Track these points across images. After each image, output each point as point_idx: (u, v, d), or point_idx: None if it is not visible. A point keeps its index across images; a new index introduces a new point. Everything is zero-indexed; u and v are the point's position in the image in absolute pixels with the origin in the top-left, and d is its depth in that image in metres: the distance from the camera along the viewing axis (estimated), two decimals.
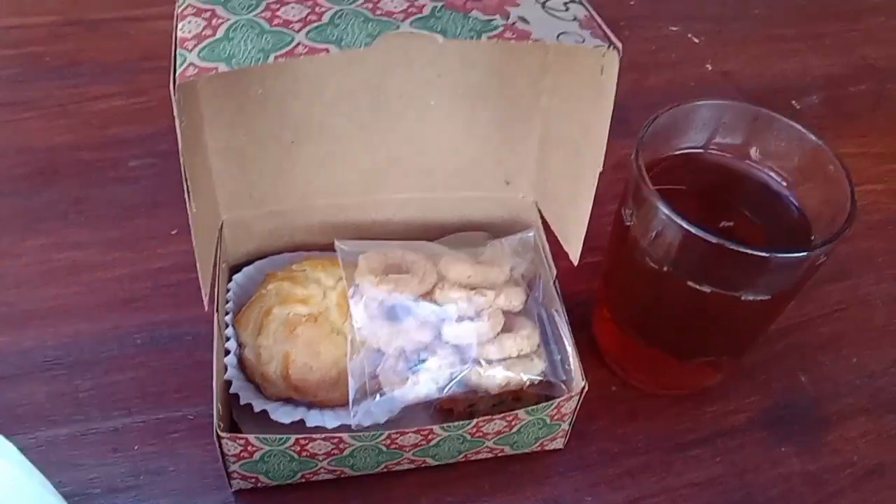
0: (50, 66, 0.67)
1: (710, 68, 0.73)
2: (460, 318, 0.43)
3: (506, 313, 0.44)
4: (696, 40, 0.76)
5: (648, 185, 0.39)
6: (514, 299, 0.44)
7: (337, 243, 0.46)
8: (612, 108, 0.37)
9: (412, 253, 0.46)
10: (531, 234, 0.49)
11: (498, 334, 0.43)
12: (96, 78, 0.66)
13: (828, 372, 0.52)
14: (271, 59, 0.31)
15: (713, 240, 0.37)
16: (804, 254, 0.37)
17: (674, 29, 0.77)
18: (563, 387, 0.43)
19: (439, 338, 0.43)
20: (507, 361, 0.43)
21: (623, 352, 0.49)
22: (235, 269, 0.49)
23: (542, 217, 0.50)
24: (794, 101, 0.71)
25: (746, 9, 0.81)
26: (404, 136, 0.46)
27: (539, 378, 0.43)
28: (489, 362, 0.43)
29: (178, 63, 0.32)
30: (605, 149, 0.39)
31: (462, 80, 0.44)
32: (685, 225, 0.37)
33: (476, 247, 0.49)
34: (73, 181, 0.58)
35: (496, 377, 0.43)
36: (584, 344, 0.51)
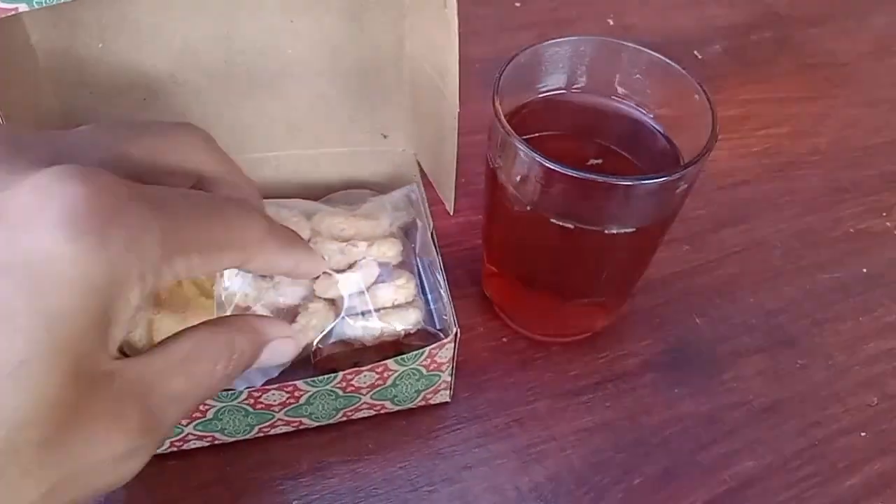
0: None
1: (611, 23, 0.73)
2: (332, 271, 0.42)
3: (383, 265, 0.43)
4: None
5: (503, 121, 0.38)
6: (388, 250, 0.43)
7: None
8: (456, 42, 0.36)
9: (286, 209, 0.44)
10: (413, 188, 0.47)
11: (371, 285, 0.42)
12: None
13: (724, 313, 0.52)
14: None
15: (565, 171, 0.36)
16: (660, 179, 0.36)
17: None
18: (441, 335, 0.42)
19: (311, 293, 0.42)
20: (381, 312, 0.42)
21: (509, 301, 0.48)
22: None
23: (421, 170, 0.48)
24: (696, 52, 0.71)
25: None
26: (266, 88, 0.44)
27: (415, 328, 0.42)
28: (363, 314, 0.41)
29: None
30: (457, 88, 0.37)
31: (318, 25, 0.42)
32: (537, 157, 0.36)
33: (359, 204, 0.48)
34: None
35: (370, 328, 0.41)
36: (476, 298, 0.51)
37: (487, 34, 0.69)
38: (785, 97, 0.68)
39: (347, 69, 0.45)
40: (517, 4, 0.73)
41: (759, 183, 0.61)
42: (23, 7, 0.30)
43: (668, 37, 0.72)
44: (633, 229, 0.39)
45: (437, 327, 0.43)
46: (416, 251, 0.45)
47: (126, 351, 0.42)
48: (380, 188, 0.51)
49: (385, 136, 0.49)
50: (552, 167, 0.36)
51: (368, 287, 0.42)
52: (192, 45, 0.41)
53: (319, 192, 0.49)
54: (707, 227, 0.56)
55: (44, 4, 0.30)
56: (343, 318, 0.41)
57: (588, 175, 0.35)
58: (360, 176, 0.50)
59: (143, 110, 0.43)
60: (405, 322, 0.42)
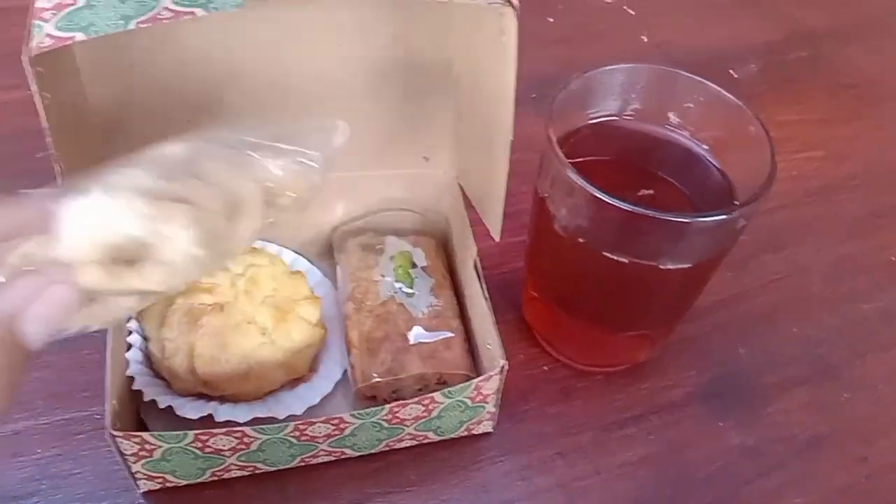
0: None
1: (645, 40, 0.72)
2: None
3: None
4: (632, 12, 0.75)
5: (558, 153, 0.37)
6: None
7: None
8: (515, 70, 0.35)
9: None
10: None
11: None
12: (2, 70, 0.63)
13: (766, 343, 0.51)
14: (133, 25, 0.29)
15: (625, 207, 0.35)
16: (721, 217, 0.36)
17: (608, 1, 0.75)
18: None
19: None
20: None
21: (552, 330, 0.48)
22: None
23: (463, 194, 0.48)
24: (731, 70, 0.70)
25: None
26: (311, 111, 0.43)
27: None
28: None
29: (33, 34, 0.30)
30: (512, 116, 0.37)
31: (365, 50, 0.42)
32: (595, 192, 0.35)
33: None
34: None
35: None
36: (515, 324, 0.50)
37: (520, 49, 0.68)
38: (820, 119, 0.67)
39: (393, 93, 0.44)
40: (550, 19, 0.72)
41: (797, 207, 0.60)
42: (80, 36, 0.29)
43: (702, 54, 0.71)
44: (690, 264, 0.38)
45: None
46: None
47: (167, 377, 0.42)
48: (421, 210, 0.50)
49: (427, 159, 0.48)
50: (611, 202, 0.35)
51: None
52: (241, 69, 0.41)
53: (360, 213, 0.49)
54: (748, 253, 0.55)
55: (100, 33, 0.29)
56: None
57: (651, 212, 0.35)
58: (400, 197, 0.49)
59: (186, 131, 0.42)
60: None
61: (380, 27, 0.41)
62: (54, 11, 0.30)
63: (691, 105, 0.42)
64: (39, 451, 0.42)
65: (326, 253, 0.50)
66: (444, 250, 0.50)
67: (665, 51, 0.71)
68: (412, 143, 0.47)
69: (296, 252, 0.49)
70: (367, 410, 0.38)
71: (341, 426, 0.38)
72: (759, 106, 0.41)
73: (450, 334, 0.45)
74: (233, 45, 0.40)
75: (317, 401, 0.43)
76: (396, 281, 0.46)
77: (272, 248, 0.48)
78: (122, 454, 0.37)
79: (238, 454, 0.38)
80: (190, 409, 0.40)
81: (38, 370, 0.45)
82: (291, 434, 0.38)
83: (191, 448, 0.37)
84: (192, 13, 0.29)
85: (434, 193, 0.49)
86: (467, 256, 0.45)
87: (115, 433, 0.36)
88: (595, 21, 0.73)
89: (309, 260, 0.49)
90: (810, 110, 0.68)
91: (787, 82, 0.70)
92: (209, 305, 0.42)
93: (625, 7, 0.75)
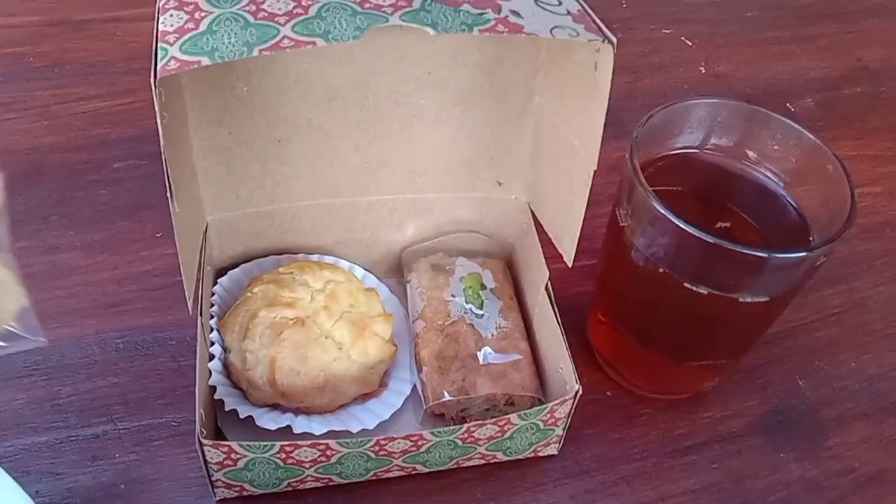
0: (34, 66, 0.66)
1: (703, 70, 0.73)
2: None
3: None
4: (690, 43, 0.76)
5: (643, 183, 0.38)
6: None
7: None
8: (606, 104, 0.36)
9: None
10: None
11: None
12: (81, 79, 0.65)
13: (826, 376, 0.51)
14: (256, 52, 0.30)
15: (710, 240, 0.36)
16: (803, 254, 0.36)
17: (667, 32, 0.76)
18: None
19: None
20: None
21: (618, 355, 0.48)
22: (221, 272, 0.48)
23: (534, 218, 0.49)
24: (788, 104, 0.70)
25: (740, 11, 0.81)
26: (394, 135, 0.45)
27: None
28: None
29: (159, 57, 0.31)
30: (598, 148, 0.38)
31: (453, 78, 0.43)
32: (681, 224, 0.36)
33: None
34: (56, 183, 0.57)
35: None
36: (579, 348, 0.50)
37: None
38: (878, 154, 0.68)
39: (474, 119, 0.45)
40: None
41: (855, 242, 0.60)
42: (205, 61, 0.30)
43: (760, 87, 0.72)
44: (767, 298, 0.39)
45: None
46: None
47: (245, 388, 0.43)
48: (490, 233, 0.51)
49: (500, 184, 0.49)
50: (696, 234, 0.36)
51: None
52: (332, 92, 0.42)
53: (430, 234, 0.50)
54: (807, 286, 0.55)
55: (225, 59, 0.30)
56: None
57: (737, 246, 0.35)
58: (472, 219, 0.50)
59: (277, 151, 0.44)
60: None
61: (470, 56, 0.42)
62: (177, 35, 0.31)
63: (769, 141, 0.43)
64: (118, 455, 0.43)
65: (392, 271, 0.52)
66: (511, 273, 0.51)
67: (723, 82, 0.72)
68: (487, 168, 0.48)
69: (365, 269, 0.51)
70: (446, 429, 0.39)
71: (419, 443, 0.39)
72: None
73: (518, 356, 0.46)
74: (328, 70, 0.41)
75: (387, 416, 0.44)
76: (467, 302, 0.47)
77: (344, 265, 0.49)
78: (206, 462, 0.38)
79: (317, 466, 0.39)
80: (268, 420, 0.41)
81: (114, 376, 0.47)
82: (371, 448, 0.39)
83: (274, 458, 0.38)
84: (314, 42, 0.30)
85: (503, 217, 0.50)
86: (538, 279, 0.46)
87: (204, 441, 0.37)
88: (653, 51, 0.74)
89: (377, 277, 0.51)
90: (868, 146, 0.68)
91: (845, 117, 0.70)
92: (291, 319, 0.43)
93: (683, 38, 0.76)
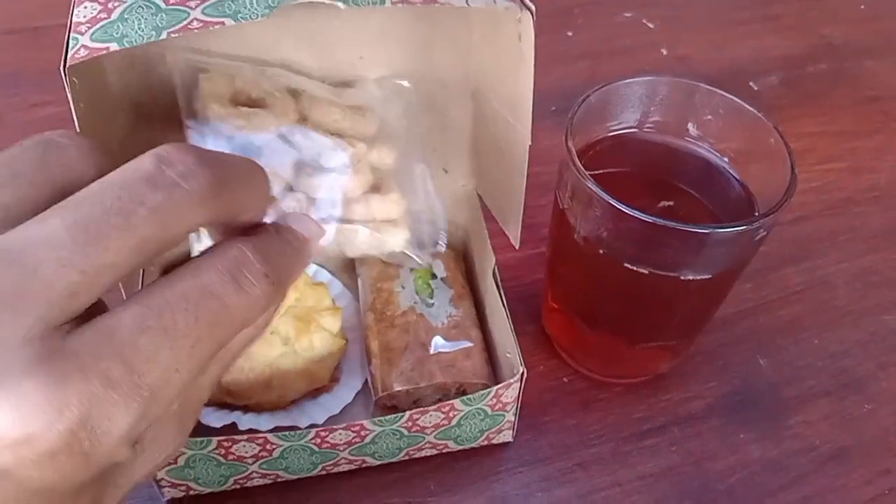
0: None
1: (665, 53, 0.72)
2: (323, 169, 0.36)
3: (374, 170, 0.39)
4: (651, 25, 0.75)
5: (577, 164, 0.37)
6: (385, 156, 0.39)
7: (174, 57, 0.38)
8: (532, 74, 0.35)
9: (267, 80, 0.38)
10: (405, 82, 0.43)
11: (365, 193, 0.38)
12: (36, 86, 0.65)
13: (788, 355, 0.51)
14: (164, 35, 0.30)
15: (645, 218, 0.35)
16: (741, 228, 0.36)
17: (628, 15, 0.76)
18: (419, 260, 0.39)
19: (294, 188, 0.36)
20: (372, 225, 0.37)
21: (572, 340, 0.48)
22: (168, 269, 0.47)
23: (483, 205, 0.48)
24: (752, 83, 0.70)
25: None
26: None
27: (403, 250, 0.38)
28: (353, 223, 0.37)
29: (70, 46, 0.31)
30: (530, 120, 0.37)
31: (386, 61, 0.42)
32: (614, 203, 0.36)
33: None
34: None
35: (361, 240, 0.37)
36: (536, 336, 0.50)
37: (540, 64, 0.68)
38: (842, 131, 0.67)
39: (414, 107, 0.44)
40: (569, 34, 0.73)
41: (818, 219, 0.60)
42: (114, 47, 0.30)
43: (723, 68, 0.71)
44: (710, 275, 0.38)
45: (431, 247, 0.41)
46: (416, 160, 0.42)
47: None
48: None
49: (446, 171, 0.48)
50: (630, 213, 0.35)
51: (362, 194, 0.38)
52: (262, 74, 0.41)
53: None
54: (769, 264, 0.55)
55: (133, 44, 0.30)
56: (336, 224, 0.36)
57: (670, 223, 0.35)
58: (421, 209, 0.49)
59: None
60: (398, 240, 0.38)
61: (402, 40, 0.41)
62: (89, 25, 0.31)
63: (711, 117, 0.42)
64: None
65: (347, 266, 0.51)
66: (463, 261, 0.51)
67: (686, 64, 0.71)
68: (432, 156, 0.47)
69: (318, 264, 0.50)
70: (387, 417, 0.39)
71: (362, 433, 0.39)
72: (779, 118, 0.41)
73: (469, 344, 0.45)
74: (256, 49, 0.40)
75: (338, 410, 0.44)
76: (417, 292, 0.47)
77: None
78: None
79: (260, 462, 0.39)
80: (213, 418, 0.41)
81: None
82: (313, 441, 0.38)
83: (214, 455, 0.38)
84: (222, 23, 0.30)
85: (452, 205, 0.49)
86: (486, 267, 0.45)
87: None
88: (615, 35, 0.74)
89: (330, 272, 0.50)
90: (832, 122, 0.67)
91: (808, 95, 0.70)
92: None
93: (644, 21, 0.75)
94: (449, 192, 0.49)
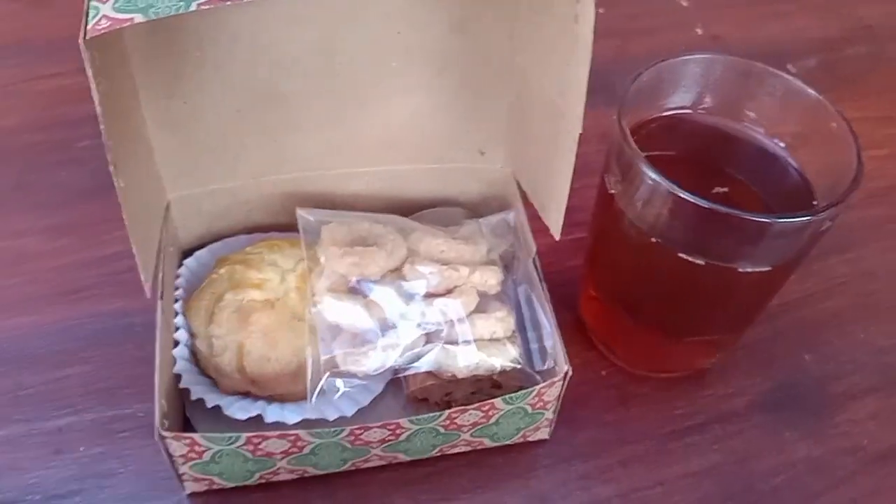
0: None
1: (700, 32, 0.70)
2: (430, 296, 0.40)
3: (480, 294, 0.41)
4: (685, 3, 0.72)
5: (632, 146, 0.35)
6: (489, 278, 0.41)
7: (299, 212, 0.42)
8: (589, 59, 0.33)
9: (381, 225, 0.42)
10: (511, 214, 0.45)
11: (470, 314, 0.40)
12: (42, 57, 0.62)
13: (833, 350, 0.49)
14: (194, 6, 0.28)
15: (706, 205, 0.33)
16: (807, 218, 0.34)
17: None
18: (538, 377, 0.40)
19: (405, 316, 0.39)
20: (477, 344, 0.39)
21: (612, 332, 0.46)
22: (188, 253, 0.45)
23: (520, 189, 0.46)
24: (789, 65, 0.67)
25: None
26: (363, 102, 0.42)
27: (512, 365, 0.39)
28: (458, 343, 0.39)
29: (90, 17, 0.28)
30: (583, 107, 0.35)
31: (425, 37, 0.40)
32: (674, 190, 0.33)
33: (451, 223, 0.46)
34: (16, 166, 0.54)
35: (465, 359, 0.39)
36: (571, 325, 0.48)
37: None
38: (882, 116, 0.65)
39: (452, 83, 0.42)
40: (601, 10, 0.70)
41: (861, 208, 0.57)
42: (139, 18, 0.28)
43: (759, 48, 0.68)
44: (769, 267, 0.36)
45: (535, 368, 0.40)
46: (516, 281, 0.43)
47: (214, 376, 0.40)
48: (472, 206, 0.48)
49: (482, 153, 0.46)
50: (692, 200, 0.33)
51: (467, 315, 0.40)
52: (293, 56, 0.39)
53: (410, 209, 0.47)
54: (812, 254, 0.53)
55: (160, 15, 0.28)
56: (441, 345, 0.39)
57: (734, 211, 0.33)
58: (454, 193, 0.47)
59: (237, 122, 0.41)
60: (504, 357, 0.40)
61: (441, 14, 0.39)
62: None
63: (768, 99, 0.40)
64: (83, 448, 0.41)
65: None
66: None
67: (720, 44, 0.68)
68: (467, 137, 0.45)
69: None
70: (424, 416, 0.36)
71: (397, 431, 0.37)
72: None
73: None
74: (287, 31, 0.38)
75: (366, 402, 0.41)
76: None
77: None
78: (169, 455, 0.36)
79: (290, 457, 0.37)
80: (237, 409, 0.39)
81: (78, 365, 0.44)
82: (346, 438, 0.36)
83: (242, 450, 0.36)
84: None
85: (487, 189, 0.47)
86: (526, 255, 0.43)
87: (165, 434, 0.34)
88: (647, 13, 0.71)
89: None
90: (872, 107, 0.65)
91: (847, 79, 0.67)
92: (259, 302, 0.40)
93: None
94: (485, 176, 0.47)
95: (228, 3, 0.28)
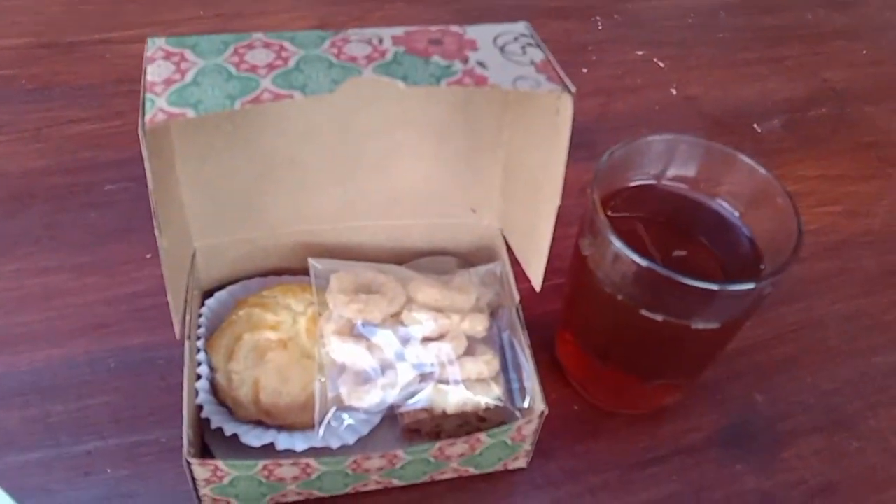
0: (24, 89, 0.68)
1: (674, 93, 0.75)
2: (425, 340, 0.45)
3: (469, 338, 0.46)
4: (662, 65, 0.78)
5: (602, 217, 0.40)
6: (477, 325, 0.46)
7: (311, 261, 0.47)
8: (567, 146, 0.39)
9: (383, 275, 0.47)
10: (498, 265, 0.50)
11: (460, 357, 0.45)
12: (70, 101, 0.67)
13: (783, 391, 0.54)
14: (238, 104, 0.33)
15: (662, 272, 0.38)
16: (750, 286, 0.39)
17: (640, 53, 0.79)
18: (518, 414, 0.45)
19: (402, 357, 0.45)
20: (466, 383, 0.45)
21: (584, 373, 0.51)
22: (208, 293, 0.50)
23: (506, 243, 0.51)
24: (755, 125, 0.73)
25: (711, 33, 0.84)
26: (372, 167, 0.47)
27: (496, 403, 0.45)
28: (449, 383, 0.44)
29: (146, 108, 0.33)
30: (561, 184, 0.40)
31: (428, 116, 0.45)
32: (636, 258, 0.39)
33: (444, 271, 0.51)
34: (47, 206, 0.58)
35: (455, 397, 0.44)
36: (548, 365, 0.53)
37: None
38: (841, 175, 0.70)
39: (449, 153, 0.48)
40: (584, 70, 0.76)
41: (814, 261, 0.63)
42: (190, 113, 0.33)
43: (728, 109, 0.74)
44: (719, 325, 0.42)
45: (516, 405, 0.46)
46: (503, 328, 0.48)
47: (231, 406, 0.45)
48: (463, 256, 0.54)
49: (474, 211, 0.51)
50: (650, 267, 0.39)
51: (457, 358, 0.45)
52: (313, 130, 0.44)
53: (406, 258, 0.52)
54: (766, 304, 0.58)
55: (208, 111, 0.33)
56: (434, 384, 0.44)
57: (685, 279, 0.38)
58: (448, 245, 0.53)
59: (260, 184, 0.46)
60: (488, 395, 0.45)
61: (444, 96, 0.45)
62: (164, 86, 0.34)
63: (725, 174, 0.45)
64: (109, 471, 0.45)
65: None
66: None
67: (693, 104, 0.74)
68: (461, 197, 0.50)
69: None
70: (418, 447, 0.42)
71: (394, 461, 0.42)
72: (780, 160, 0.44)
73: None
74: (309, 109, 0.43)
75: (366, 432, 0.46)
76: None
77: None
78: (193, 479, 0.41)
79: (298, 482, 0.42)
80: (252, 437, 0.44)
81: (105, 395, 0.49)
82: (350, 466, 0.41)
83: (257, 476, 0.41)
84: (292, 95, 0.33)
85: (477, 241, 0.53)
86: (510, 303, 0.49)
87: (192, 461, 0.39)
88: (627, 73, 0.77)
89: None
90: (831, 166, 0.71)
91: (809, 139, 0.73)
92: (274, 341, 0.45)
93: (655, 59, 0.78)
94: (476, 231, 0.52)
95: (268, 101, 0.33)
